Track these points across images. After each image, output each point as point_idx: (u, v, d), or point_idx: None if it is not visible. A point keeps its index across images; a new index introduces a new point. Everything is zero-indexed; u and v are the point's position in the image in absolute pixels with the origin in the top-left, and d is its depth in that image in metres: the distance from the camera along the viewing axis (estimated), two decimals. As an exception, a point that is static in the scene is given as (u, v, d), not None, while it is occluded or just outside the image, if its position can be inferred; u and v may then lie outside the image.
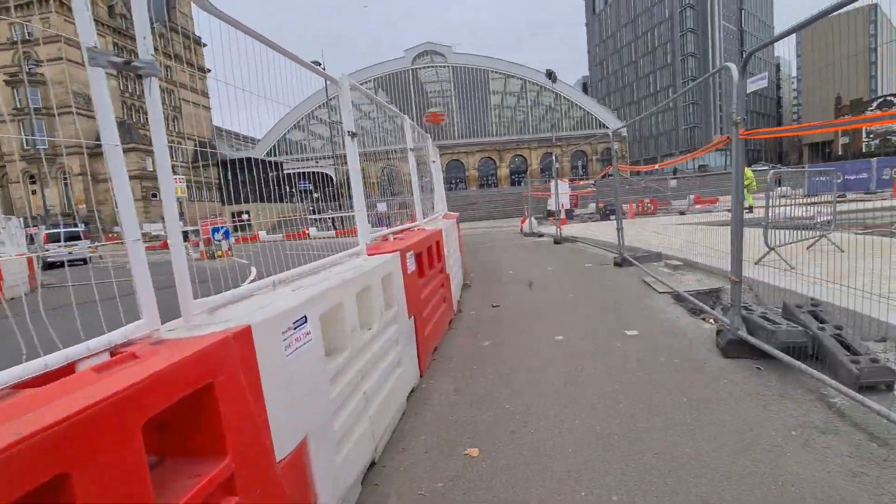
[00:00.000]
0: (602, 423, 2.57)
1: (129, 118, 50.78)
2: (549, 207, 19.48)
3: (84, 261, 13.87)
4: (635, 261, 6.96)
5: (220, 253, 17.83)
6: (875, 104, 53.51)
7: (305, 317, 1.84)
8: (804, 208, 6.61)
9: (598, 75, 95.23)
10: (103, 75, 1.29)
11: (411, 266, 3.47)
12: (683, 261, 6.76)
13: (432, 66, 59.06)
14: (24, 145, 45.15)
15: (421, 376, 3.47)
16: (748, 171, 16.43)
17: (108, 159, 1.28)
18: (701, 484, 1.98)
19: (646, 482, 2.03)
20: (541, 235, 14.54)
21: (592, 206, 23.40)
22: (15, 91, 46.59)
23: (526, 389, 3.08)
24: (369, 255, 3.03)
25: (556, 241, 11.78)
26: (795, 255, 5.75)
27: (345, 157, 2.99)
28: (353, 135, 3.00)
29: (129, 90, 52.11)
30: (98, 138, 1.30)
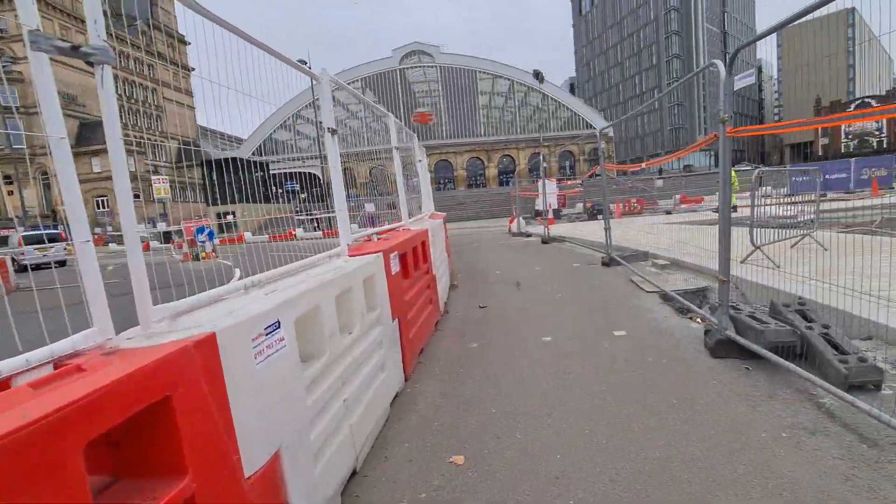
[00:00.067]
0: (591, 425, 2.50)
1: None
2: (536, 207, 19.51)
3: (62, 263, 13.50)
4: (623, 260, 6.95)
5: (204, 254, 17.48)
6: (853, 105, 54.76)
7: (279, 322, 1.73)
8: (788, 207, 6.67)
9: (584, 76, 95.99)
10: (47, 61, 1.17)
11: (395, 267, 3.38)
12: (670, 260, 6.77)
13: (420, 66, 58.89)
14: (-1, 145, 43.91)
15: (406, 380, 3.38)
16: (732, 172, 16.66)
17: (53, 152, 1.17)
18: (693, 489, 1.93)
19: (636, 488, 1.97)
20: (529, 235, 14.53)
21: (580, 206, 23.51)
22: (-10, 89, 45.28)
23: (513, 392, 3.01)
24: (351, 256, 2.93)
25: (544, 241, 11.77)
26: (780, 253, 5.78)
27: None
28: (333, 131, 2.90)
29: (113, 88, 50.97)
30: (79, 138, 1.19)
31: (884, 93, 61.81)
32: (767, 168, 6.93)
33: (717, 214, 11.81)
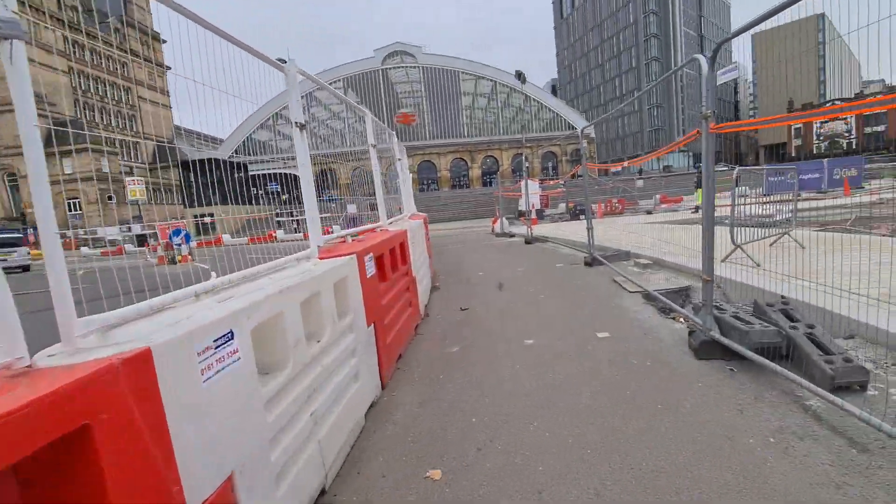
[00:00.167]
0: (574, 434, 2.39)
1: (83, 116, 48.12)
2: (520, 208, 19.52)
3: (24, 268, 12.92)
4: (605, 260, 6.91)
5: (180, 257, 17.01)
6: (825, 107, 56.45)
7: (232, 332, 1.57)
8: (765, 206, 6.72)
9: (566, 78, 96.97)
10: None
11: (371, 269, 3.22)
12: (652, 259, 6.75)
13: (402, 67, 58.60)
14: (-38, 145, 42.11)
15: (383, 388, 3.22)
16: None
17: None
18: (682, 500, 1.82)
19: (622, 501, 1.85)
20: (512, 236, 14.49)
21: (562, 206, 23.64)
22: (-48, 87, 43.43)
23: (494, 399, 2.88)
24: (322, 258, 2.77)
25: (527, 242, 11.72)
26: (759, 252, 5.81)
27: (315, 157, 2.74)
28: (301, 126, 2.73)
29: (83, 87, 49.43)
30: (49, 137, 1.01)
31: (852, 95, 64.00)
32: (746, 168, 6.95)
33: (696, 214, 11.97)
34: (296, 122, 2.68)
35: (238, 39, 2.29)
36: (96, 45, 49.39)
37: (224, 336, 1.53)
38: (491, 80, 59.30)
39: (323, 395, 2.23)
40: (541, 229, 14.43)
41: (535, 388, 2.99)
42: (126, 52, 52.37)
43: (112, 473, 1.05)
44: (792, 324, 2.92)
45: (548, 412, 2.65)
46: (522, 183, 15.57)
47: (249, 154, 51.74)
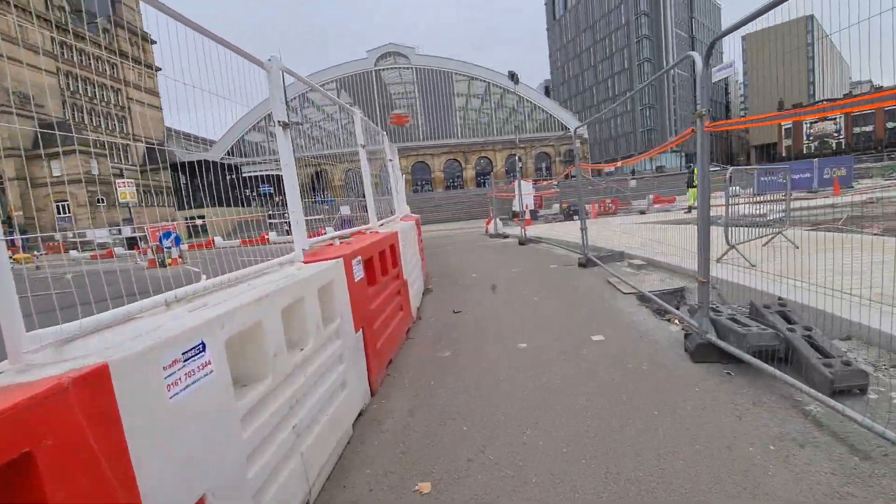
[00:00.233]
0: (568, 444, 2.31)
1: (72, 118, 47.52)
2: (513, 208, 19.47)
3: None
4: (599, 261, 6.85)
5: (170, 260, 16.83)
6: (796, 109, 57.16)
7: (203, 343, 1.47)
8: (758, 206, 6.70)
9: (559, 79, 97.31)
10: None
11: (359, 273, 3.12)
12: (646, 260, 6.70)
13: (395, 68, 58.45)
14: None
15: (372, 395, 3.13)
16: (697, 172, 16.98)
17: None
18: (679, 516, 1.75)
19: (618, 517, 1.78)
20: (506, 237, 14.43)
21: (556, 207, 23.63)
22: (-63, 88, 42.65)
23: (486, 407, 2.80)
24: (307, 262, 2.67)
25: (521, 243, 11.66)
26: (753, 252, 5.78)
27: (307, 158, 2.66)
28: (285, 125, 2.63)
29: (73, 88, 48.82)
30: (36, 139, 0.91)
31: (841, 96, 64.76)
32: (741, 168, 6.92)
33: (688, 214, 11.95)
34: (279, 121, 2.58)
35: (218, 36, 2.20)
36: (85, 46, 48.86)
37: (194, 348, 1.43)
38: (484, 81, 59.30)
39: (307, 406, 2.14)
40: (535, 230, 14.38)
41: (529, 394, 2.91)
42: (115, 52, 51.82)
43: (59, 505, 0.95)
44: (789, 326, 2.86)
45: (542, 419, 2.56)
46: (516, 183, 15.52)
47: (242, 156, 51.39)
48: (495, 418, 2.65)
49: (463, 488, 2.05)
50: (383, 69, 57.98)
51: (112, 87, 52.14)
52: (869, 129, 58.28)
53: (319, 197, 6.67)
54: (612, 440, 2.29)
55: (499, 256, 9.99)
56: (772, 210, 6.94)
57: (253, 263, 2.62)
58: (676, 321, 4.07)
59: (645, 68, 75.51)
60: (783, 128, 63.68)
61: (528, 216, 16.20)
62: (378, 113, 57.00)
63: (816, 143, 60.88)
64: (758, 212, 6.62)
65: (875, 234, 7.12)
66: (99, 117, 51.18)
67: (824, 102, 54.16)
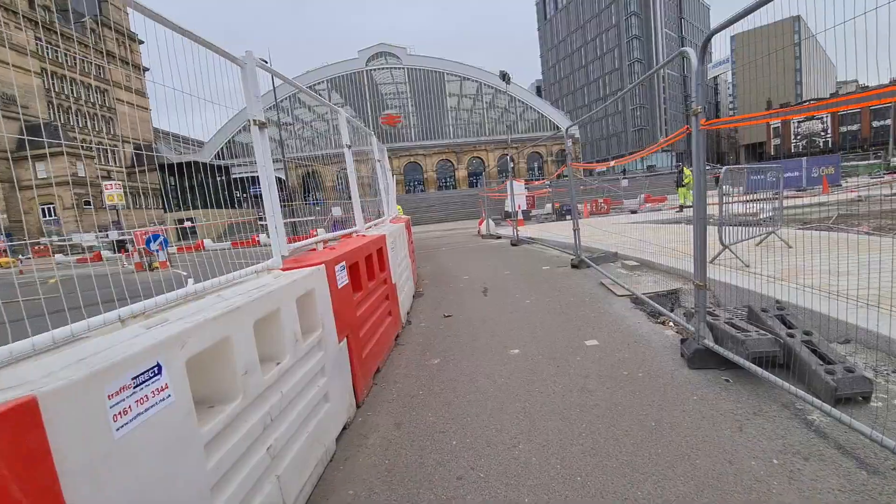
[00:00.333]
0: (562, 460, 2.19)
1: (58, 119, 46.72)
2: (506, 209, 19.40)
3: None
4: (592, 262, 6.76)
5: (156, 264, 16.59)
6: (793, 107, 57.84)
7: (159, 365, 1.33)
8: (750, 206, 6.65)
9: (550, 79, 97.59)
10: None
11: (343, 279, 2.99)
12: (640, 261, 6.63)
13: (387, 68, 58.16)
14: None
15: (358, 407, 2.99)
16: (686, 171, 17.00)
17: None
18: (681, 541, 1.64)
19: (616, 543, 1.66)
20: (498, 237, 14.33)
21: (549, 207, 23.60)
22: (-83, 89, 41.71)
23: (476, 420, 2.67)
24: (286, 269, 2.53)
25: (514, 243, 11.56)
26: (746, 252, 5.72)
27: (300, 159, 2.52)
28: (261, 125, 2.49)
29: (58, 89, 48.01)
30: (20, 142, 0.77)
31: (828, 95, 65.62)
32: (734, 167, 6.86)
33: (679, 213, 11.90)
34: (254, 120, 2.43)
35: (190, 31, 2.07)
36: (71, 47, 48.09)
37: (148, 371, 1.29)
38: (476, 81, 59.19)
39: (284, 425, 2.00)
40: (527, 230, 14.30)
41: (520, 405, 2.79)
42: (102, 53, 51.06)
43: (-33, 570, 0.81)
44: (789, 331, 2.77)
45: (533, 434, 2.44)
46: (508, 184, 15.44)
47: (233, 157, 50.80)
48: (486, 432, 2.53)
49: (451, 511, 1.92)
50: (374, 69, 57.66)
51: (99, 87, 51.36)
52: (855, 127, 59.11)
53: (312, 198, 6.52)
54: (608, 455, 2.18)
55: (491, 258, 9.88)
56: (762, 209, 6.90)
57: (243, 265, 2.51)
58: (671, 324, 3.98)
59: (635, 68, 75.97)
60: (771, 127, 64.39)
61: (520, 216, 16.13)
62: (370, 113, 56.70)
63: (804, 142, 61.61)
64: (749, 210, 6.57)
65: (866, 233, 7.11)
66: (86, 118, 50.39)
67: (815, 101, 54.86)
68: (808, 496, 1.78)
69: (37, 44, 45.60)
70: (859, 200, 13.00)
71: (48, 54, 46.55)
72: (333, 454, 2.47)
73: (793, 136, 62.49)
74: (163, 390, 1.33)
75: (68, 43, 46.22)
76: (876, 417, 2.21)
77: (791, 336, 2.69)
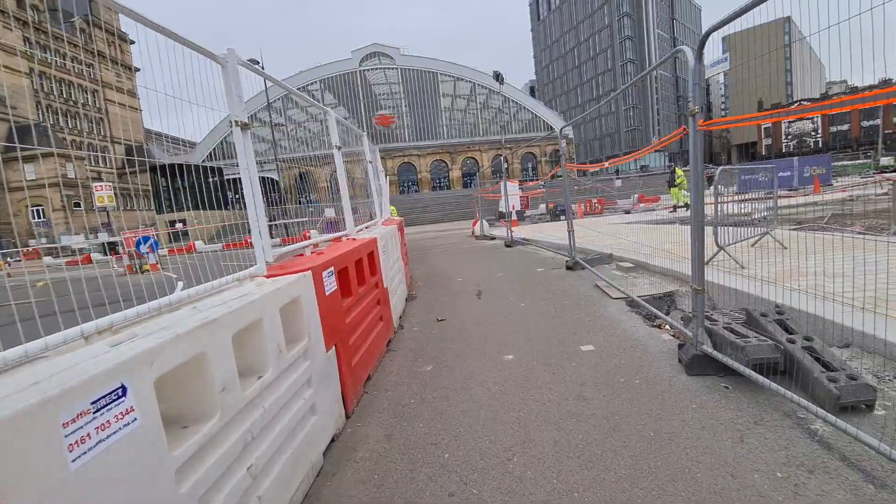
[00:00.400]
0: (559, 474, 2.11)
1: (47, 120, 46.11)
2: (500, 209, 19.34)
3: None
4: (587, 264, 6.70)
5: (146, 266, 16.41)
6: (792, 108, 58.30)
7: (124, 387, 1.23)
8: (744, 206, 6.63)
9: (544, 79, 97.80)
10: None
11: (331, 285, 2.89)
12: (634, 262, 6.57)
13: (380, 68, 57.96)
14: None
15: (347, 417, 2.89)
16: (678, 171, 17.03)
17: None
18: (683, 563, 1.55)
19: (616, 566, 1.57)
20: (492, 238, 14.26)
21: (543, 207, 23.59)
22: None
23: (469, 430, 2.58)
24: (270, 276, 2.42)
25: (508, 245, 11.50)
26: (741, 253, 5.68)
27: (291, 160, 2.42)
28: (244, 126, 2.38)
29: (46, 89, 47.38)
30: (11, 141, 0.66)
31: (818, 95, 66.27)
32: (729, 167, 6.83)
33: (673, 213, 11.85)
34: (236, 121, 2.33)
35: (170, 29, 1.98)
36: (61, 47, 47.53)
37: (111, 393, 1.19)
38: (470, 82, 59.15)
39: (266, 442, 1.90)
40: (521, 231, 14.25)
41: (515, 414, 2.71)
42: (92, 53, 50.46)
43: None
44: (789, 336, 2.70)
45: (528, 446, 2.36)
46: (501, 184, 15.38)
47: (225, 158, 50.37)
48: (480, 444, 2.44)
49: (442, 531, 1.83)
50: (368, 69, 57.45)
51: (89, 87, 50.75)
52: (845, 127, 59.76)
53: (304, 199, 6.42)
54: (606, 468, 2.10)
55: (485, 259, 9.80)
56: (756, 209, 6.88)
57: (234, 268, 2.43)
58: (667, 327, 3.91)
59: (628, 69, 76.33)
60: (762, 127, 64.94)
61: (514, 217, 16.07)
62: (363, 113, 56.47)
63: (795, 142, 62.20)
64: (743, 211, 6.54)
65: (860, 234, 7.11)
66: (76, 119, 49.79)
67: (804, 103, 55.32)
68: (814, 513, 1.70)
69: (25, 43, 44.99)
70: (851, 200, 13.08)
71: (38, 54, 45.96)
72: (321, 468, 2.37)
73: (784, 136, 63.07)
74: (128, 413, 1.23)
75: (58, 43, 45.68)
76: (883, 427, 2.14)
77: (792, 342, 2.63)
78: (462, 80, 58.93)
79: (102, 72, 51.66)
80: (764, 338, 2.70)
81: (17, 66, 44.11)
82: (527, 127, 59.70)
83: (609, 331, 4.02)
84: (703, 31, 2.74)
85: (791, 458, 2.03)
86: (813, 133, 61.59)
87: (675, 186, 16.73)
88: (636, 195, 24.58)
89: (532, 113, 60.04)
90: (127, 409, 1.23)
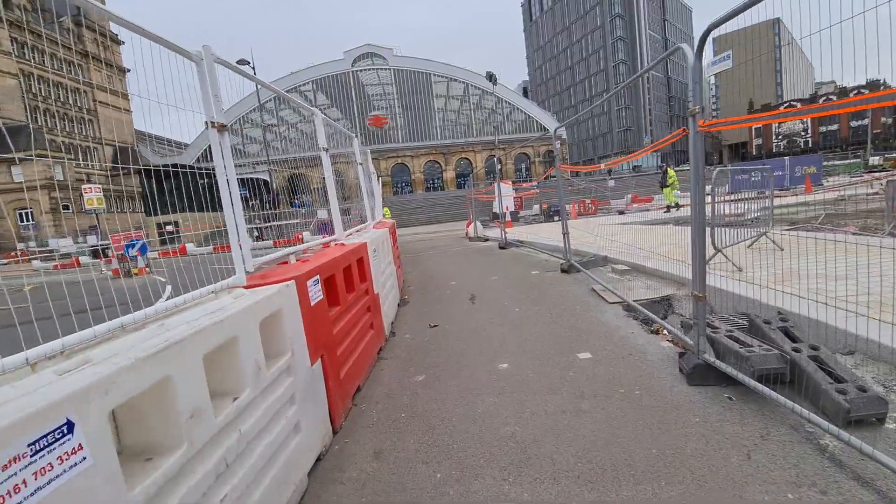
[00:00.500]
0: (556, 495, 1.98)
1: (35, 121, 45.39)
2: (494, 210, 19.23)
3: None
4: (582, 266, 6.60)
5: (135, 270, 16.14)
6: (782, 108, 58.92)
7: (70, 422, 1.08)
8: (739, 207, 6.56)
9: (537, 80, 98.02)
10: None
11: (317, 295, 2.75)
12: (630, 265, 6.48)
13: (373, 69, 57.71)
14: None
15: (335, 432, 2.75)
16: (670, 171, 17.02)
17: None
18: None
19: None
20: (486, 239, 14.15)
21: (536, 208, 23.53)
22: None
23: (463, 447, 2.45)
24: (250, 286, 2.28)
25: (502, 247, 11.39)
26: (738, 255, 5.60)
27: (284, 161, 2.30)
28: (221, 127, 2.24)
29: (34, 90, 46.65)
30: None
31: (807, 96, 66.97)
32: (726, 167, 6.75)
33: (667, 213, 11.77)
34: (212, 123, 2.19)
35: (137, 24, 1.84)
36: (49, 47, 46.85)
37: (54, 432, 1.05)
38: (463, 82, 59.05)
39: (242, 469, 1.75)
40: (516, 232, 14.15)
41: (510, 429, 2.58)
42: (82, 54, 49.83)
43: None
44: (794, 345, 2.60)
45: (525, 466, 2.23)
46: (495, 185, 15.27)
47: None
48: (473, 461, 2.31)
49: (433, 563, 1.70)
50: (361, 70, 57.19)
51: (79, 88, 50.06)
52: (834, 127, 60.41)
53: (298, 201, 6.27)
54: (607, 490, 1.98)
55: (479, 262, 9.68)
56: (749, 209, 6.82)
57: (224, 271, 2.30)
58: (665, 332, 3.81)
59: (620, 69, 76.67)
60: (753, 127, 65.48)
61: (508, 218, 15.98)
62: (356, 114, 56.20)
63: (785, 142, 62.77)
64: (737, 211, 6.48)
65: (856, 234, 7.07)
66: (65, 120, 49.07)
67: (794, 105, 55.85)
68: (830, 540, 1.59)
69: (12, 44, 44.29)
70: (843, 200, 13.12)
71: (25, 54, 45.27)
72: (305, 491, 2.23)
73: (774, 136, 63.62)
74: (75, 453, 1.09)
75: (45, 43, 44.99)
76: (887, 440, 2.05)
77: (797, 351, 2.53)
78: (455, 80, 58.83)
79: (91, 73, 51.06)
80: (768, 347, 2.60)
81: (4, 67, 43.47)
82: (520, 128, 59.72)
83: (606, 337, 3.91)
84: (705, 28, 2.63)
85: (802, 478, 1.93)
86: (803, 133, 62.21)
87: (667, 187, 16.72)
88: (629, 195, 24.60)
89: (525, 113, 60.07)
90: (74, 448, 1.09)
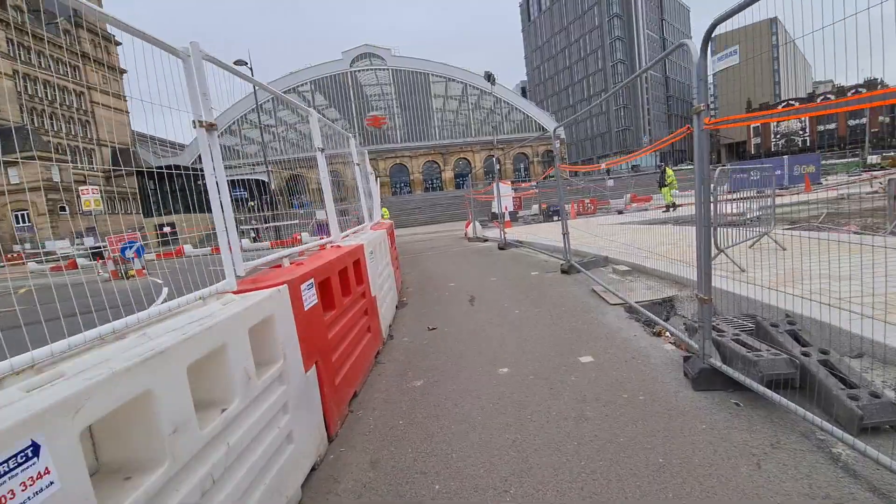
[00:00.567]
0: (561, 509, 1.90)
1: (31, 123, 45.20)
2: (493, 210, 19.15)
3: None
4: (582, 267, 6.52)
5: (132, 272, 16.05)
6: (780, 107, 58.89)
7: (35, 444, 1.00)
8: (739, 205, 6.49)
9: (535, 80, 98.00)
10: None
11: (311, 299, 2.66)
12: (631, 265, 6.40)
13: (371, 69, 57.59)
14: None
15: (330, 441, 2.67)
16: (668, 170, 16.97)
17: None
18: None
19: None
20: (485, 240, 14.07)
21: (535, 208, 23.45)
22: None
23: (462, 456, 2.37)
24: (240, 291, 2.20)
25: (501, 247, 11.30)
26: (740, 255, 5.53)
27: (282, 162, 2.23)
28: (209, 126, 2.16)
29: (31, 91, 46.45)
30: None
31: (805, 95, 67.04)
32: (728, 166, 6.69)
33: (666, 213, 11.72)
34: (200, 121, 2.10)
35: (118, 19, 1.77)
36: (44, 48, 46.69)
37: (17, 455, 0.96)
38: (461, 83, 58.95)
39: (231, 484, 1.67)
40: (515, 232, 14.07)
41: (511, 436, 2.50)
42: (77, 55, 49.66)
43: None
44: (803, 349, 2.53)
45: (526, 473, 2.15)
46: (494, 185, 15.19)
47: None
48: (473, 471, 2.23)
49: (432, 582, 1.62)
50: (359, 70, 57.07)
51: (75, 89, 49.86)
52: (832, 126, 60.49)
53: (296, 202, 6.19)
54: (612, 502, 1.90)
55: (478, 263, 9.60)
56: (749, 209, 6.75)
57: (222, 273, 2.22)
58: (667, 334, 3.73)
59: (618, 69, 76.68)
60: (751, 126, 65.56)
61: (507, 218, 15.91)
62: (355, 115, 56.08)
63: (783, 141, 62.85)
64: (737, 210, 6.41)
65: (856, 233, 7.01)
66: (61, 121, 48.86)
67: (792, 104, 55.89)
68: (849, 557, 1.52)
69: (8, 45, 44.10)
70: (842, 199, 13.07)
71: (20, 55, 45.09)
72: (300, 500, 2.15)
73: (772, 135, 63.68)
74: (41, 477, 1.00)
75: (41, 44, 44.82)
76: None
77: (806, 355, 2.46)
78: (453, 80, 58.75)
79: (88, 73, 50.89)
80: (777, 351, 2.52)
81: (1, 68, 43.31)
82: (519, 127, 59.64)
83: (608, 340, 3.83)
84: (709, 24, 2.56)
85: (815, 489, 1.85)
86: (801, 132, 62.29)
87: (666, 186, 16.66)
88: (628, 195, 24.54)
89: (524, 113, 60.01)
90: (40, 472, 1.00)
